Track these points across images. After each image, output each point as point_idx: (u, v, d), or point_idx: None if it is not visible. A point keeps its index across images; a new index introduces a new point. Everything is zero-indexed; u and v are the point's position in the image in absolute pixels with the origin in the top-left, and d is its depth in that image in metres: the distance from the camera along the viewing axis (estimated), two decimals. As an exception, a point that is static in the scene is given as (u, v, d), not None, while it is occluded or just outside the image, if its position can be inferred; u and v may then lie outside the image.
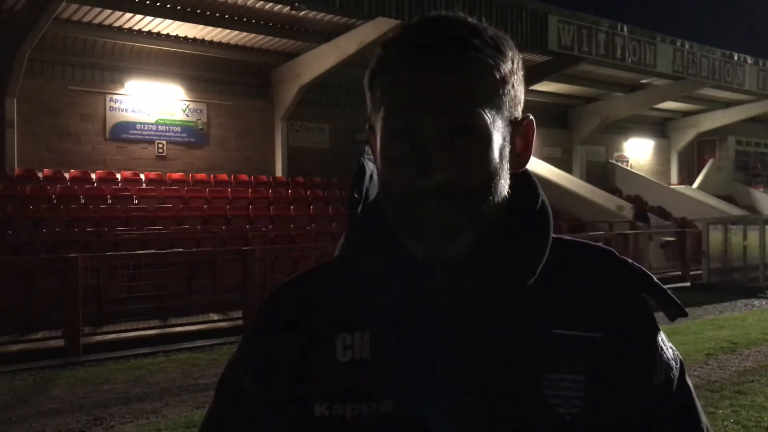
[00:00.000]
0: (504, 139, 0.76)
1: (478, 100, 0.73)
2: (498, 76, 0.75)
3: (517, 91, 0.78)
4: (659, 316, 0.83)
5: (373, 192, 0.86)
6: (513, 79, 0.77)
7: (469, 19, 0.76)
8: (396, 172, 0.74)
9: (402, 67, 0.74)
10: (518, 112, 0.79)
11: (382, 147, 0.76)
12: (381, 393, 0.75)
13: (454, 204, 0.72)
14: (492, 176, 0.75)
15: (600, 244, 0.89)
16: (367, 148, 0.88)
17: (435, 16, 0.76)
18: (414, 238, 0.75)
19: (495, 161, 0.75)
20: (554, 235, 0.82)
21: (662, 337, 0.83)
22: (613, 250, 0.86)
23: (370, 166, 0.88)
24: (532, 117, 0.81)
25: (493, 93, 0.74)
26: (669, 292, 0.81)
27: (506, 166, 0.77)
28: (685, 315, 0.82)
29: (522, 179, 0.81)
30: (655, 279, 0.82)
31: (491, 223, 0.76)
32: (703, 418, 0.83)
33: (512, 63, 0.77)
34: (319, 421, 0.77)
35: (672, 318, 0.82)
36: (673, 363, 0.83)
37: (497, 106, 0.75)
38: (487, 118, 0.73)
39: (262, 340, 0.83)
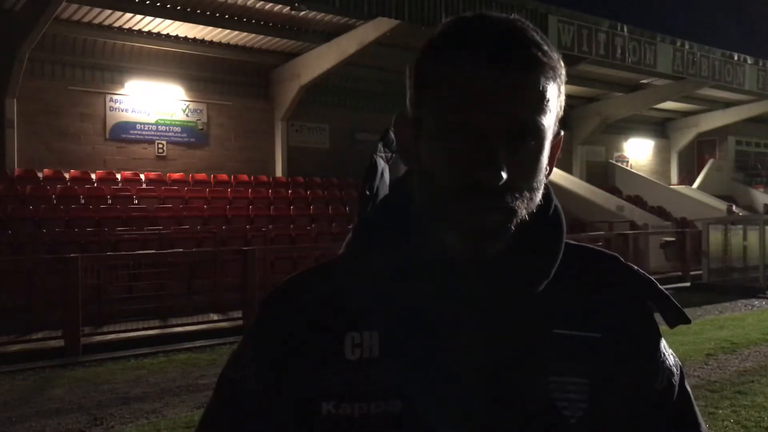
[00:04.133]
0: (548, 150, 0.77)
1: (543, 105, 0.72)
2: (558, 85, 0.74)
3: (563, 102, 0.78)
4: (658, 320, 0.83)
5: (383, 190, 0.85)
6: (563, 89, 0.76)
7: (529, 24, 0.75)
8: (451, 167, 0.72)
9: (472, 61, 0.71)
10: (557, 125, 0.79)
11: (437, 139, 0.74)
12: (390, 392, 0.74)
13: (504, 204, 0.72)
14: (538, 183, 0.75)
15: (600, 246, 0.89)
16: (380, 146, 0.87)
17: (497, 15, 0.75)
18: (455, 234, 0.74)
19: (543, 168, 0.75)
20: None
21: (664, 344, 0.83)
22: (618, 255, 0.86)
23: (381, 164, 0.87)
24: (563, 133, 0.81)
25: (552, 101, 0.74)
26: (673, 299, 0.81)
27: (544, 175, 0.77)
28: (689, 322, 0.82)
29: None
30: (659, 285, 0.82)
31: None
32: (703, 424, 0.84)
33: (562, 76, 0.76)
34: (326, 420, 0.76)
35: (673, 325, 0.82)
36: (674, 369, 0.83)
37: (552, 115, 0.75)
38: (545, 124, 0.73)
39: (266, 337, 0.82)
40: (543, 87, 0.72)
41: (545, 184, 0.82)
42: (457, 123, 0.72)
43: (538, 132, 0.72)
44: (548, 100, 0.73)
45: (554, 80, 0.73)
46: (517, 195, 0.72)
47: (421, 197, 0.77)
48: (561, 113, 0.78)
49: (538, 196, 0.76)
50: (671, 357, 0.84)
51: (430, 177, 0.75)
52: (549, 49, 0.73)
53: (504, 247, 0.75)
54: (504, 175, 0.70)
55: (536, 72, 0.72)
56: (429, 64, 0.76)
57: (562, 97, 0.77)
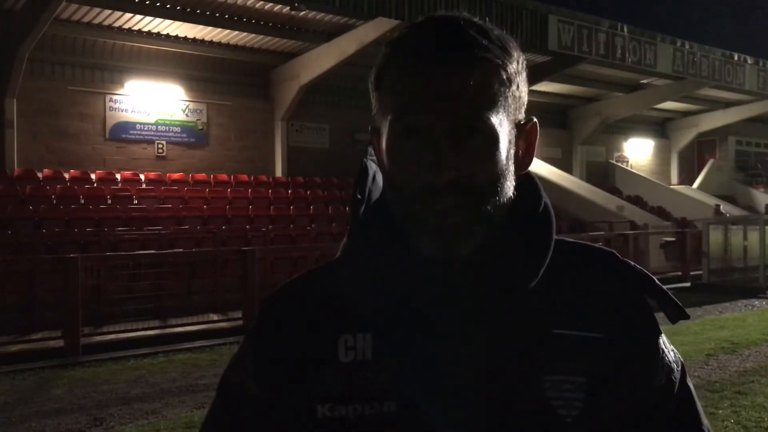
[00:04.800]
0: (510, 141, 0.77)
1: (486, 100, 0.73)
2: (504, 77, 0.75)
3: (522, 91, 0.78)
4: (660, 317, 0.83)
5: (376, 193, 0.86)
6: (518, 79, 0.77)
7: (476, 19, 0.76)
8: (405, 171, 0.74)
9: (411, 66, 0.74)
10: (522, 114, 0.80)
11: (391, 146, 0.76)
12: (383, 394, 0.75)
13: (464, 202, 0.72)
14: (499, 176, 0.75)
15: (600, 245, 0.89)
16: (370, 149, 0.88)
17: (442, 16, 0.76)
18: (424, 236, 0.75)
19: (502, 162, 0.75)
20: (556, 237, 0.82)
21: (663, 340, 0.83)
22: (615, 252, 0.85)
23: (372, 167, 0.87)
24: (535, 120, 0.81)
25: (500, 93, 0.74)
26: (671, 294, 0.81)
27: (512, 167, 0.78)
28: (687, 317, 0.82)
29: (525, 182, 0.81)
30: (657, 281, 0.82)
31: (496, 225, 0.76)
32: (705, 420, 0.83)
33: (517, 63, 0.77)
34: (321, 422, 0.76)
35: (674, 320, 0.82)
36: (674, 365, 0.83)
37: (504, 107, 0.75)
38: (494, 118, 0.74)
39: (264, 340, 0.83)
40: (483, 81, 0.73)
41: (534, 182, 0.83)
42: (404, 128, 0.74)
43: (485, 126, 0.73)
44: (493, 93, 0.74)
45: (497, 73, 0.74)
46: (476, 192, 0.73)
47: (390, 203, 0.78)
48: (521, 102, 0.78)
49: (505, 189, 0.76)
50: (671, 353, 0.83)
51: (392, 183, 0.77)
52: (490, 43, 0.74)
53: (482, 244, 0.75)
54: (451, 174, 0.71)
55: (472, 68, 0.72)
56: (381, 71, 0.78)
57: (517, 87, 0.77)
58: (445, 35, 0.74)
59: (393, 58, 0.76)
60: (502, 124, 0.75)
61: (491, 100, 0.74)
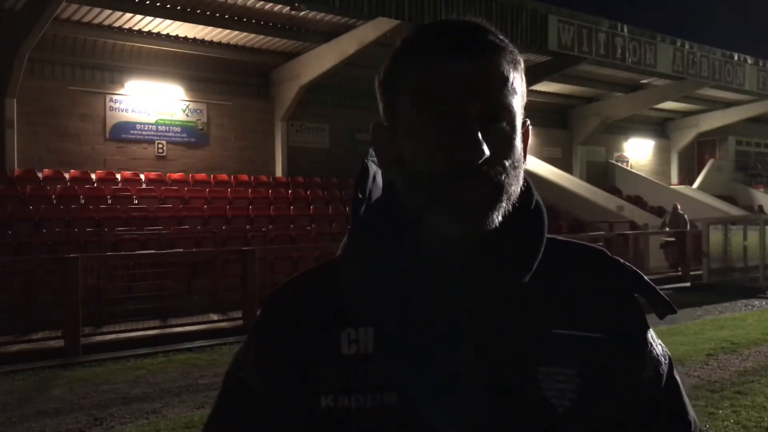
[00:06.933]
0: (519, 135, 0.80)
1: (507, 87, 0.76)
2: (519, 73, 0.79)
3: (525, 93, 0.82)
4: (650, 316, 0.85)
5: (376, 193, 0.87)
6: (523, 78, 0.81)
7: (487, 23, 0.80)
8: (434, 154, 0.75)
9: (438, 55, 0.76)
10: (523, 112, 0.82)
11: (416, 134, 0.77)
12: (385, 386, 0.77)
13: (491, 179, 0.75)
14: (518, 162, 0.78)
15: (601, 246, 0.91)
16: (371, 150, 0.88)
17: (455, 18, 0.79)
18: (450, 214, 0.75)
19: (519, 151, 0.78)
20: (548, 236, 0.84)
21: (651, 333, 0.86)
22: (605, 249, 0.88)
23: (373, 168, 0.89)
24: (529, 122, 0.84)
25: (515, 84, 0.78)
26: (659, 290, 0.84)
27: (521, 159, 0.80)
28: (675, 312, 0.85)
29: None
30: (646, 278, 0.85)
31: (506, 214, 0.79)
32: (691, 412, 0.86)
33: (522, 67, 0.80)
34: (325, 413, 0.78)
35: (662, 316, 0.85)
36: (661, 358, 0.85)
37: (518, 101, 0.78)
38: (514, 106, 0.77)
39: (268, 335, 0.84)
40: (505, 69, 0.76)
41: (525, 179, 0.85)
42: (435, 116, 0.75)
43: (509, 113, 0.76)
44: (512, 83, 0.77)
45: (514, 65, 0.78)
46: (503, 173, 0.76)
47: (407, 194, 0.79)
48: (524, 102, 0.82)
49: (521, 176, 0.79)
50: (659, 347, 0.86)
51: (415, 172, 0.77)
52: (503, 41, 0.78)
53: (497, 229, 0.77)
54: (486, 151, 0.73)
55: (497, 56, 0.76)
56: (397, 72, 0.79)
57: (524, 86, 0.81)
58: (466, 31, 0.77)
59: (413, 51, 0.78)
60: (518, 117, 0.78)
61: (512, 91, 0.77)
